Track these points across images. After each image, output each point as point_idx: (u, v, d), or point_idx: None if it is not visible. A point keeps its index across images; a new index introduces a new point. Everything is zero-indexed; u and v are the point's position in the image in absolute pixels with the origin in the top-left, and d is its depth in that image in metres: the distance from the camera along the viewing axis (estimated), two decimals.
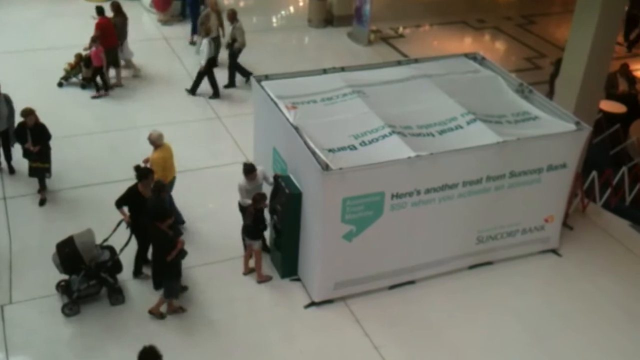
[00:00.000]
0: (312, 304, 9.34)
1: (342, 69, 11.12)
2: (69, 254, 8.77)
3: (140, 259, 9.55)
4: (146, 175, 9.18)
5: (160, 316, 8.97)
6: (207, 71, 14.07)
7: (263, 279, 9.63)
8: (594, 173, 11.59)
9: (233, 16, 14.69)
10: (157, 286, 9.29)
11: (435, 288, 9.74)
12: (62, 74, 14.32)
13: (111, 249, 9.16)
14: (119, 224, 9.22)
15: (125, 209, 9.31)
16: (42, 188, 10.89)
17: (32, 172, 10.68)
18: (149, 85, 14.57)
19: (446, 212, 9.42)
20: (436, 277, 9.86)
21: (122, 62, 14.84)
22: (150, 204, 8.87)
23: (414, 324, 9.19)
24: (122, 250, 9.13)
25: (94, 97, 13.95)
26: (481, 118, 9.79)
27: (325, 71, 11.01)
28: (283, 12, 19.70)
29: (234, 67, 14.79)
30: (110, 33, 14.15)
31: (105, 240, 9.19)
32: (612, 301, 9.78)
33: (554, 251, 10.64)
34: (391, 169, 8.77)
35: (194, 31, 16.45)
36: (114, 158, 12.03)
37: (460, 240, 9.85)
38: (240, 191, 9.53)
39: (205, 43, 13.85)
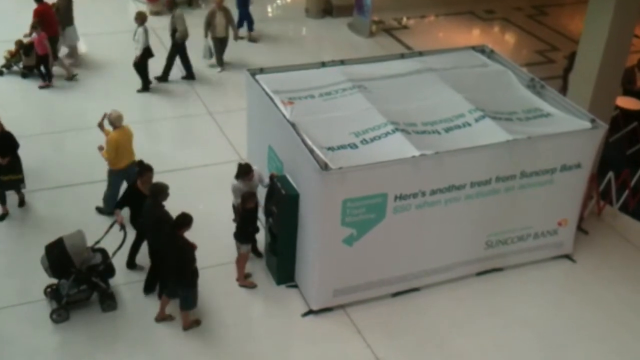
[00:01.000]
0: (310, 312, 9.35)
1: (342, 62, 11.14)
2: (59, 257, 8.76)
3: (135, 251, 9.64)
4: (142, 172, 9.23)
5: (197, 323, 9.01)
6: (142, 62, 13.92)
7: (245, 284, 9.66)
8: (611, 174, 11.60)
9: (171, 4, 14.54)
10: (147, 290, 9.33)
11: (442, 296, 9.76)
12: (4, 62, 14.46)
13: (103, 251, 9.17)
14: (111, 226, 9.24)
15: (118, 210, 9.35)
16: (18, 193, 10.88)
17: (5, 185, 10.57)
18: (134, 78, 14.58)
19: (453, 215, 9.43)
20: (442, 284, 9.88)
21: (66, 50, 14.77)
22: (148, 209, 8.88)
23: (418, 334, 9.21)
24: (115, 253, 9.14)
25: (41, 87, 14.03)
26: (490, 115, 9.81)
27: (324, 64, 11.03)
28: (279, 2, 19.73)
29: (172, 59, 14.51)
30: (50, 20, 13.99)
31: (97, 242, 9.21)
32: (630, 309, 9.80)
33: (568, 257, 10.66)
34: (394, 169, 8.78)
35: (245, 27, 16.64)
36: (96, 156, 12.00)
37: (467, 245, 9.87)
38: (235, 192, 9.53)
39: (140, 32, 13.64)
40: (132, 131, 10.43)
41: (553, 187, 9.90)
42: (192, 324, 9.00)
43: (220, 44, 14.93)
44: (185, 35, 14.35)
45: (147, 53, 13.85)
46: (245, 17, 16.68)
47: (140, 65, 13.96)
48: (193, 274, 8.64)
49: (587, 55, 10.98)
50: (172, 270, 8.59)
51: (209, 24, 14.59)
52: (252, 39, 16.71)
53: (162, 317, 9.06)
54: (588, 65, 10.95)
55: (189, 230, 8.52)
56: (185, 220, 8.47)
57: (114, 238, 9.18)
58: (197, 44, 14.92)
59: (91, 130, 12.70)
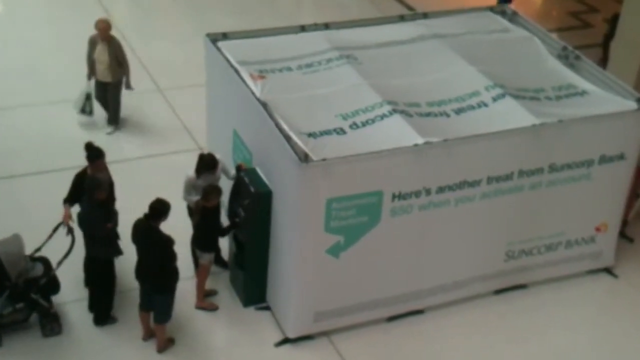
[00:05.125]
0: (286, 341, 9.35)
1: (326, 26, 11.14)
2: None
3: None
4: (92, 157, 9.20)
5: (172, 342, 9.20)
6: None
7: (203, 306, 9.68)
8: None
9: None
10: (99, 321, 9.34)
11: (451, 320, 9.80)
12: None
13: (45, 261, 9.14)
14: (56, 228, 9.20)
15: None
16: None
17: None
18: (52, 47, 14.50)
19: (465, 219, 9.46)
20: (452, 305, 9.92)
21: None
22: (86, 212, 8.87)
23: None
24: (60, 263, 9.08)
25: None
26: (512, 93, 9.84)
27: (303, 28, 11.02)
28: None
29: None
30: None
31: (38, 249, 9.17)
32: None
33: (608, 270, 10.73)
34: (392, 161, 8.78)
35: None
36: (27, 143, 12.08)
37: (483, 256, 9.91)
38: (187, 188, 9.50)
39: None
40: None
41: (590, 183, 9.95)
42: (167, 343, 9.10)
43: (102, 91, 12.50)
44: None
45: None
46: None
47: None
48: (174, 274, 8.77)
49: (633, 18, 11.01)
50: (152, 272, 8.69)
51: (89, 58, 12.32)
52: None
53: (149, 334, 9.19)
54: (634, 31, 10.98)
55: (165, 221, 8.63)
56: (163, 208, 8.60)
57: (59, 244, 9.11)
58: None
59: (15, 110, 12.76)
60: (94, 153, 9.33)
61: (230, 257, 9.94)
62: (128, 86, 12.44)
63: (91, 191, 8.83)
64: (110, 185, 9.35)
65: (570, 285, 10.44)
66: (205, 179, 9.36)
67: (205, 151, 10.35)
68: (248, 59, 10.04)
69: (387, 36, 10.95)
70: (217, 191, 9.17)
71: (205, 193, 9.11)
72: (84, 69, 13.88)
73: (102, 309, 9.33)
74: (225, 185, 9.66)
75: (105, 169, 9.37)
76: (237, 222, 9.43)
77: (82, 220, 8.93)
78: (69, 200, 9.33)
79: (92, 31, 11.95)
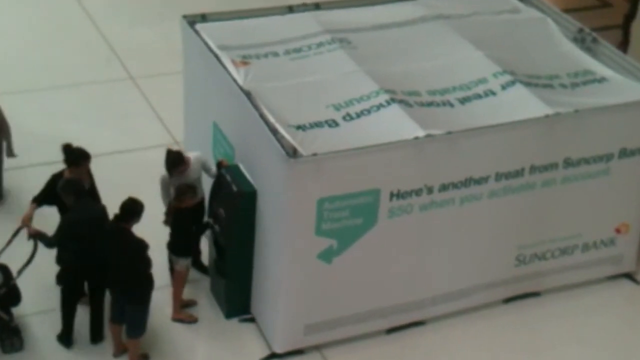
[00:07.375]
0: (273, 356, 9.35)
1: (317, 6, 11.15)
2: None
3: None
4: (77, 160, 9.17)
5: (146, 358, 9.19)
6: None
7: (181, 318, 9.68)
8: None
9: None
10: (96, 337, 9.33)
11: (455, 332, 9.81)
12: None
13: (4, 269, 9.12)
14: (16, 233, 9.19)
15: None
16: None
17: None
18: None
19: (471, 220, 9.46)
20: (456, 315, 9.93)
21: None
22: (73, 213, 8.85)
23: None
24: (21, 271, 9.07)
25: None
26: (522, 80, 9.85)
27: (291, 9, 11.03)
28: None
29: None
30: None
31: None
32: None
33: (630, 276, 10.75)
34: (390, 156, 8.78)
35: None
36: None
37: (491, 261, 9.91)
38: (163, 187, 9.49)
39: None
40: None
41: (609, 179, 9.96)
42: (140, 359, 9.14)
43: None
44: None
45: None
46: None
47: None
48: (148, 282, 8.76)
49: None
50: (123, 280, 8.67)
51: None
52: None
53: (121, 349, 9.16)
54: None
55: (138, 220, 8.62)
56: (136, 208, 8.60)
57: (20, 250, 9.10)
58: None
59: None
60: (78, 155, 9.26)
61: (211, 263, 9.91)
62: (10, 153, 11.08)
63: (75, 190, 8.84)
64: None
65: (588, 293, 10.46)
66: (179, 178, 9.32)
67: (183, 146, 10.34)
68: (229, 43, 10.04)
69: (385, 17, 10.95)
70: (192, 191, 9.16)
71: (179, 192, 9.09)
72: (49, 56, 13.93)
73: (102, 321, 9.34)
74: (207, 183, 9.65)
75: (88, 174, 9.35)
76: (209, 223, 9.43)
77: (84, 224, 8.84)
78: (38, 201, 9.27)
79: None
